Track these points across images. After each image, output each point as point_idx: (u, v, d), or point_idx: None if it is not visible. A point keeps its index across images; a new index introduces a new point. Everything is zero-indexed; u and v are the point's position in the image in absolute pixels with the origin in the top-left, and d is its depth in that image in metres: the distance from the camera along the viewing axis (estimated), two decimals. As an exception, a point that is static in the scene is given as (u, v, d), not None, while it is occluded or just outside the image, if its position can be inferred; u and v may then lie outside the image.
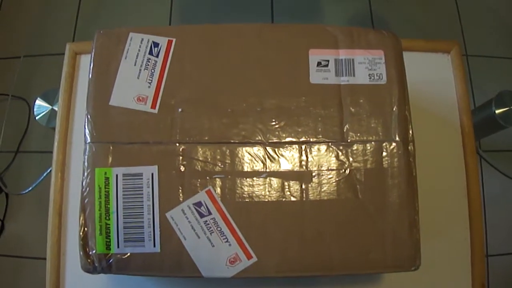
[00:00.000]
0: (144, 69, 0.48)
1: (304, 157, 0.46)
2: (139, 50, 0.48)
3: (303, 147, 0.46)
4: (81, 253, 0.44)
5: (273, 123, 0.46)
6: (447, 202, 0.64)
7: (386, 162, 0.46)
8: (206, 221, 0.44)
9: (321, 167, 0.45)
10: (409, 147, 0.46)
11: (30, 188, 1.10)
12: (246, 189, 0.45)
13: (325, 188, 0.45)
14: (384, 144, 0.46)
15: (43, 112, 0.92)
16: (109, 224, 0.44)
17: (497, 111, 0.99)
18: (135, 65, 0.48)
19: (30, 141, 1.40)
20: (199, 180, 0.45)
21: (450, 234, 0.63)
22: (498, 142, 1.36)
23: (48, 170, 0.85)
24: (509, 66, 1.45)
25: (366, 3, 1.51)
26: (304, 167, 0.45)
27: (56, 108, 0.87)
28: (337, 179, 0.45)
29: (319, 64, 0.48)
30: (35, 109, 0.93)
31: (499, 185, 1.34)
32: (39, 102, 0.93)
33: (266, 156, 0.45)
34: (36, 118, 0.93)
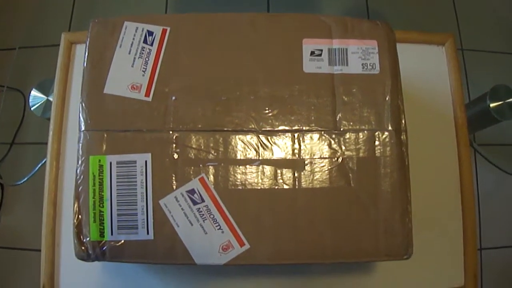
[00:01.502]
0: (139, 57, 0.48)
1: (296, 145, 0.46)
2: (133, 39, 0.48)
3: (296, 135, 0.46)
4: (75, 240, 0.44)
5: (267, 111, 0.46)
6: (440, 193, 0.64)
7: (379, 151, 0.46)
8: (199, 208, 0.44)
9: (314, 155, 0.46)
10: (402, 137, 0.47)
11: (26, 178, 1.10)
12: (239, 176, 0.45)
13: (317, 176, 0.45)
14: (376, 133, 0.46)
15: (38, 103, 0.92)
16: (103, 212, 0.44)
17: (491, 105, 0.99)
18: (129, 53, 0.48)
19: (25, 132, 1.39)
20: (192, 168, 0.45)
21: (443, 225, 0.63)
22: (493, 136, 1.37)
23: (43, 161, 0.85)
24: (504, 60, 1.46)
25: (362, -4, 1.51)
26: (297, 155, 0.46)
27: (51, 99, 0.87)
28: (329, 167, 0.45)
29: (312, 53, 0.48)
30: (30, 100, 0.93)
31: (494, 179, 1.34)
32: (34, 92, 0.93)
33: (259, 144, 0.46)
34: (32, 109, 0.93)
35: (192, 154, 0.45)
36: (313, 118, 0.46)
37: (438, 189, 0.64)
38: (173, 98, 0.46)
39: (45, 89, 0.93)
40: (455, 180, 0.64)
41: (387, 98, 0.47)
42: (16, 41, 1.44)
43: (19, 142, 1.38)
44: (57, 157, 0.63)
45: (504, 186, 1.35)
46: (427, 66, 0.69)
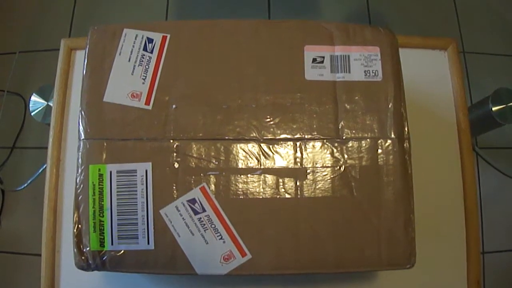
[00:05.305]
0: (138, 65, 0.47)
1: (299, 154, 0.45)
2: (133, 46, 0.48)
3: (298, 144, 0.46)
4: (75, 250, 0.44)
5: (268, 119, 0.46)
6: (443, 199, 0.63)
7: (382, 159, 0.45)
8: (200, 218, 0.44)
9: (316, 164, 0.45)
10: (405, 145, 0.46)
11: (26, 184, 1.09)
12: (240, 186, 0.45)
13: (320, 185, 0.45)
14: (379, 141, 0.46)
15: (38, 108, 0.92)
16: (103, 221, 0.44)
17: (493, 108, 0.99)
18: (129, 61, 0.47)
19: (26, 137, 1.39)
20: (193, 177, 0.44)
21: (446, 232, 0.63)
22: (495, 140, 1.36)
23: (44, 166, 0.85)
24: (506, 63, 1.45)
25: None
26: (299, 164, 0.45)
27: (51, 104, 0.87)
28: (332, 176, 0.45)
29: (314, 60, 0.48)
30: (30, 105, 0.93)
31: (495, 183, 1.34)
32: (34, 98, 0.93)
33: (261, 153, 0.45)
34: (32, 114, 0.93)
35: (193, 163, 0.45)
36: (315, 126, 0.46)
37: (441, 196, 0.63)
38: (174, 106, 0.46)
39: (46, 94, 0.93)
40: (458, 186, 0.64)
41: (389, 106, 0.47)
42: (16, 46, 1.44)
43: (19, 146, 1.38)
44: (57, 164, 0.63)
45: (506, 190, 1.34)
46: (429, 71, 0.69)
